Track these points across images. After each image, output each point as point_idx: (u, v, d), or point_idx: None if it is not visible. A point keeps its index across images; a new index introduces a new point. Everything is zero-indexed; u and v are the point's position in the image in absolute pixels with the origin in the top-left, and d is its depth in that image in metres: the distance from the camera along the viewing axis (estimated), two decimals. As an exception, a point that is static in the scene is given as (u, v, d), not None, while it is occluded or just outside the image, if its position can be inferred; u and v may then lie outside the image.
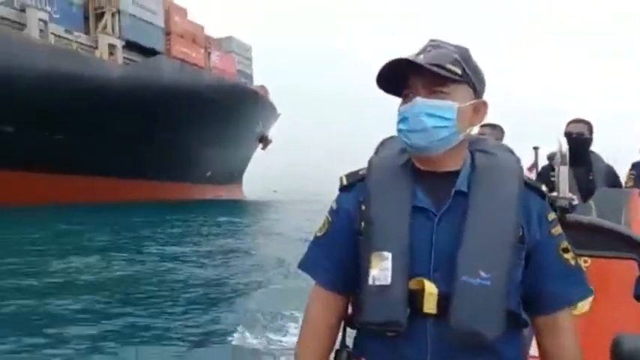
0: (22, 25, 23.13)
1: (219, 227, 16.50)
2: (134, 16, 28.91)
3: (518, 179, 1.00)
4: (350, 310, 1.09)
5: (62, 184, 23.94)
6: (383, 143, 1.16)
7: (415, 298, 0.95)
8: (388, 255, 0.95)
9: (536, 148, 3.42)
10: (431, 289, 0.94)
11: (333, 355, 1.07)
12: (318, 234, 1.11)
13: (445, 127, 0.96)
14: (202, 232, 14.95)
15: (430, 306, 0.94)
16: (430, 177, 1.01)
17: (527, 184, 1.02)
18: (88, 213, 19.15)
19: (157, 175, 30.73)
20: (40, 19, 23.60)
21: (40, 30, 23.48)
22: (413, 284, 0.95)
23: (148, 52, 30.04)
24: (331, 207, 1.11)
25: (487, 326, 0.91)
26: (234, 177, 45.49)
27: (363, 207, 1.02)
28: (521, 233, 0.96)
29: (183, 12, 35.03)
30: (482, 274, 0.92)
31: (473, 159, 1.03)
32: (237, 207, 31.00)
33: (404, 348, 0.96)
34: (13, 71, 20.64)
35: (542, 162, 3.55)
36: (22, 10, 23.32)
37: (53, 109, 22.13)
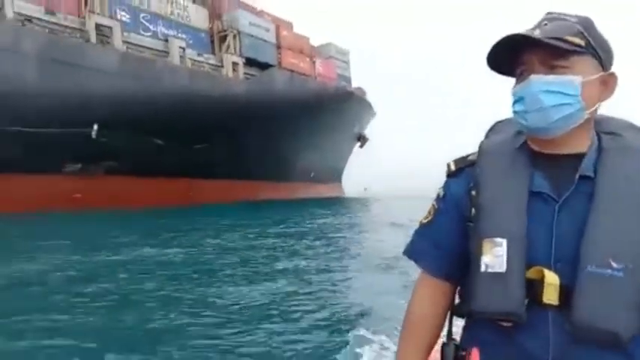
0: (166, 53, 27.13)
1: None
2: (251, 35, 31.92)
3: None
4: (457, 300, 1.04)
5: (205, 186, 27.84)
6: (494, 127, 1.09)
7: (533, 287, 0.87)
8: (502, 241, 0.89)
9: None
10: (551, 279, 0.86)
11: (439, 347, 1.00)
12: (424, 221, 1.07)
13: (568, 104, 0.87)
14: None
15: (550, 297, 0.86)
16: (550, 160, 0.93)
17: None
18: (231, 211, 22.22)
19: (272, 176, 33.85)
20: (180, 47, 27.43)
21: (180, 56, 27.31)
22: (531, 273, 0.88)
23: (263, 66, 32.85)
24: (438, 194, 1.06)
25: (618, 323, 0.81)
26: (335, 176, 48.07)
27: (473, 192, 0.97)
28: None
29: (290, 26, 37.88)
30: (614, 264, 0.82)
31: (599, 140, 0.93)
32: (342, 204, 33.00)
33: (523, 340, 0.88)
34: (161, 92, 24.45)
35: None
36: (166, 40, 27.33)
37: (192, 123, 25.80)
